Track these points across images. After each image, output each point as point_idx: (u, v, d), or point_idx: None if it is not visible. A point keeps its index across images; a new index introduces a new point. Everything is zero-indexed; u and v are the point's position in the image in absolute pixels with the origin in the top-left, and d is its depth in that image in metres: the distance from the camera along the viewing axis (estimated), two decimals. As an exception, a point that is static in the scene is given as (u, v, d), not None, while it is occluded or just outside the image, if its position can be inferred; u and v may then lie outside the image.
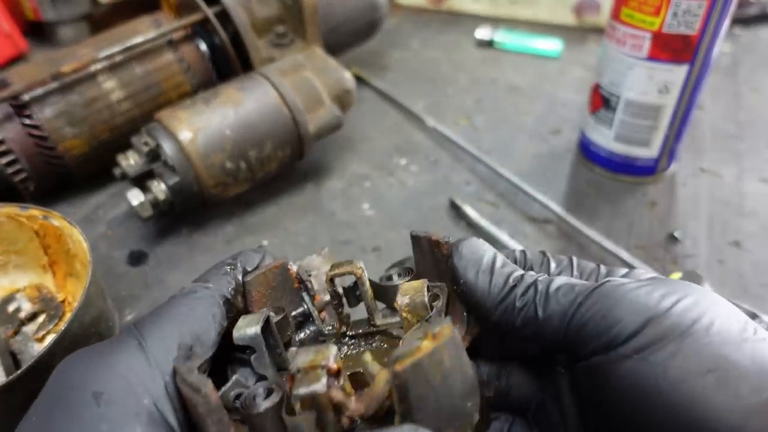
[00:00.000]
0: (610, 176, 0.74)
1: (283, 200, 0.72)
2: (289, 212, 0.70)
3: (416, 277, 0.37)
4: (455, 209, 0.69)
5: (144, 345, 0.29)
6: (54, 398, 0.28)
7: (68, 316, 0.44)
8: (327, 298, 0.39)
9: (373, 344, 0.37)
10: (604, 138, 0.72)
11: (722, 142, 0.81)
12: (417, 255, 0.38)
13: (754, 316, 0.50)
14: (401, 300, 0.33)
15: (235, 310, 0.35)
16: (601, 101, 0.70)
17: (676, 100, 0.66)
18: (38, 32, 1.05)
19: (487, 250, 0.34)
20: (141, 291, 0.60)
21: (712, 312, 0.28)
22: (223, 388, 0.31)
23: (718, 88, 0.92)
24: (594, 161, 0.75)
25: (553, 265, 0.35)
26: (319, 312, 0.39)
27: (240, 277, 0.36)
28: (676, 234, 0.65)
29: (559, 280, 0.32)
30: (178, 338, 0.30)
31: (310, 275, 0.39)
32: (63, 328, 0.42)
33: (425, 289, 0.34)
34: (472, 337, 0.35)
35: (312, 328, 0.39)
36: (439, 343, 0.27)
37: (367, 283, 0.37)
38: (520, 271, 0.33)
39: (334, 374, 0.28)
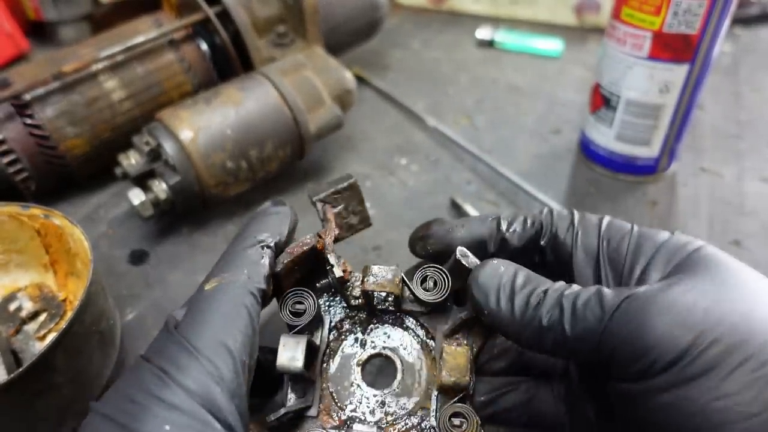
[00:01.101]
0: (610, 176, 0.74)
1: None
2: (290, 212, 0.70)
3: (452, 288, 0.38)
4: (456, 209, 0.69)
5: (212, 373, 0.29)
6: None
7: (69, 314, 0.44)
8: (348, 268, 0.40)
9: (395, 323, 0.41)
10: (605, 137, 0.72)
11: (723, 141, 0.81)
12: (452, 265, 0.39)
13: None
14: (446, 378, 0.36)
15: (268, 298, 0.37)
16: (602, 101, 0.70)
17: (676, 100, 0.66)
18: (39, 32, 1.05)
19: (505, 271, 0.34)
20: (142, 290, 0.60)
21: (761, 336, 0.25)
22: (277, 415, 0.35)
23: (719, 88, 0.92)
24: (594, 161, 0.75)
25: (580, 232, 0.36)
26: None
27: (273, 256, 0.37)
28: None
29: (585, 294, 0.31)
30: (234, 351, 0.30)
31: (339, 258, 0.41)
32: (64, 327, 0.42)
33: (470, 369, 0.36)
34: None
35: (338, 300, 0.42)
36: None
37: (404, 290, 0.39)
38: (542, 286, 0.33)
39: None
